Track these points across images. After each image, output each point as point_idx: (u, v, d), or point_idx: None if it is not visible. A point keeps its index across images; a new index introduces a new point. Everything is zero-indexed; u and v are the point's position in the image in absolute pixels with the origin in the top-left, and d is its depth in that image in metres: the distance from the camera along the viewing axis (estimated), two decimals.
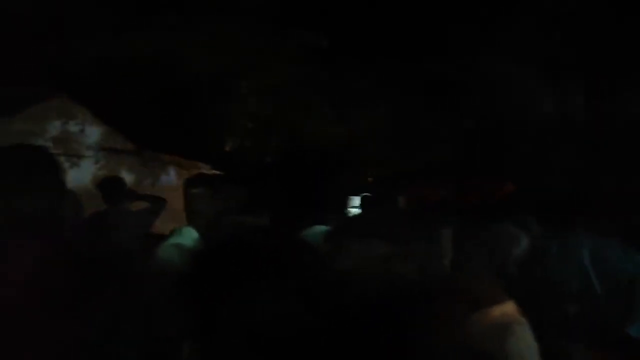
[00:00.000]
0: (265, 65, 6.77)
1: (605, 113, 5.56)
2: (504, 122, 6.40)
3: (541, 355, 2.08)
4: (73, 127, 5.67)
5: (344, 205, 5.85)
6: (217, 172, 5.81)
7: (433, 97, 6.96)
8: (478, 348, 1.95)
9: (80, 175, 5.22)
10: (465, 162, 6.79)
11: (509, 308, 2.10)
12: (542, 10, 5.66)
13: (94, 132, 5.64)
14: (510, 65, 5.60)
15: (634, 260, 2.89)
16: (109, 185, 3.51)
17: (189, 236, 2.45)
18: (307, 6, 6.51)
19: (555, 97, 5.73)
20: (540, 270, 3.19)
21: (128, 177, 4.91)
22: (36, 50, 5.35)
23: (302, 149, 7.14)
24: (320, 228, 2.75)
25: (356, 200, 5.38)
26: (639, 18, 4.93)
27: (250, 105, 6.91)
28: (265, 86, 6.93)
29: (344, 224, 2.78)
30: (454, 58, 6.25)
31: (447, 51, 6.23)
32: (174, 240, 2.42)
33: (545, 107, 5.73)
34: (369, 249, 1.22)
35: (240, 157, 6.62)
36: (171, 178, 5.60)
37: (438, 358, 1.25)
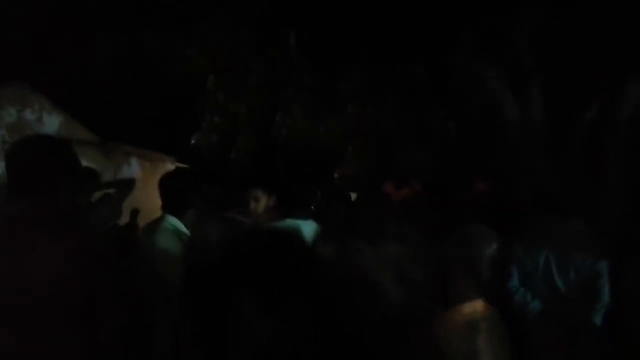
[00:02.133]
0: (236, 63, 6.67)
1: (567, 118, 5.73)
2: (477, 123, 6.50)
3: (512, 349, 2.07)
4: (30, 116, 5.40)
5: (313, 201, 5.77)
6: (183, 165, 5.67)
7: (406, 98, 7.02)
8: (451, 345, 1.94)
9: None
10: (438, 163, 6.85)
11: (478, 305, 2.11)
12: (510, 20, 5.79)
13: (52, 121, 5.39)
14: (484, 69, 5.70)
15: (595, 259, 2.97)
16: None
17: (178, 224, 2.48)
18: (282, 9, 6.50)
19: (521, 101, 5.85)
20: (508, 271, 3.24)
21: None
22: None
23: (271, 146, 7.05)
24: (294, 222, 2.74)
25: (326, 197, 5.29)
26: (599, 30, 5.10)
27: (219, 101, 6.77)
28: (234, 83, 6.81)
29: (337, 222, 2.78)
30: (428, 61, 6.32)
31: (421, 54, 6.29)
32: (169, 225, 2.44)
33: (511, 111, 5.85)
34: (381, 251, 1.18)
35: (206, 152, 6.48)
36: (133, 169, 5.42)
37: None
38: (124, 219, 3.55)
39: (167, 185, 2.69)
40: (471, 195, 4.89)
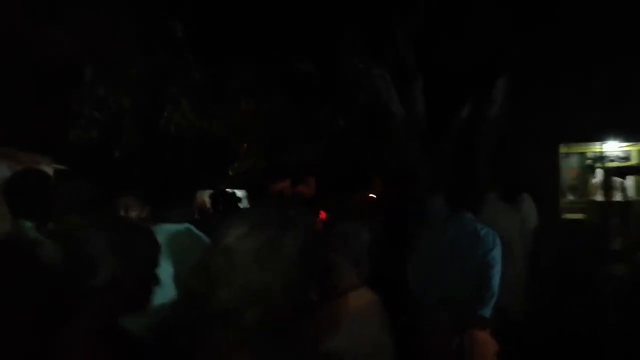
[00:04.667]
0: (119, 53, 6.24)
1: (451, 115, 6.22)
2: (364, 121, 6.76)
3: (398, 333, 2.22)
4: None
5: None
6: (59, 166, 5.23)
7: (298, 96, 7.10)
8: (337, 333, 2.05)
9: None
10: (330, 160, 7.04)
11: (363, 294, 2.25)
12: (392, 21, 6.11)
13: None
14: (368, 67, 5.95)
15: (486, 250, 3.10)
16: None
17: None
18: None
19: (403, 100, 6.22)
20: (397, 259, 3.42)
21: None
22: None
23: (156, 142, 6.72)
24: (168, 226, 2.58)
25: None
26: (474, 36, 5.59)
27: (99, 94, 6.30)
28: (116, 75, 6.37)
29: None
30: (318, 58, 6.45)
31: (311, 51, 6.40)
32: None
33: (395, 109, 6.19)
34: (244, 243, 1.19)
35: (86, 150, 6.00)
36: (3, 173, 4.87)
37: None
38: None
39: (13, 188, 2.43)
40: (369, 192, 5.14)
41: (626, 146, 7.27)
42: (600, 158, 7.40)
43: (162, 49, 6.76)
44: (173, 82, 7.01)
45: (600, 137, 6.96)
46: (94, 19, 5.89)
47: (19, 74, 5.39)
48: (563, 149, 7.36)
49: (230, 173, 7.03)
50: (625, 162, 7.41)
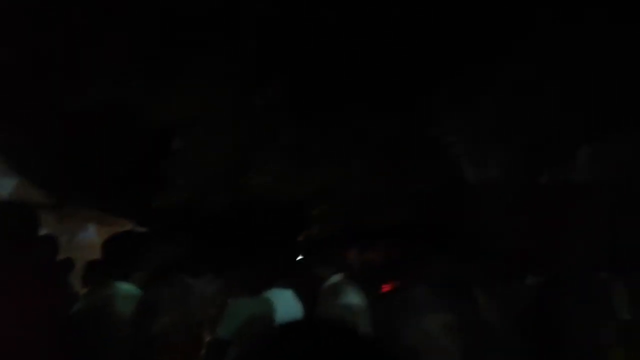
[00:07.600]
0: (205, 119, 6.61)
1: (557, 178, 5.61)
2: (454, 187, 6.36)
3: None
4: None
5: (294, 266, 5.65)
6: (142, 229, 5.52)
7: (386, 158, 6.90)
8: None
9: None
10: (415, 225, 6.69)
11: None
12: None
13: (5, 184, 5.31)
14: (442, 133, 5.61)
15: None
16: None
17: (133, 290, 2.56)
18: (263, 62, 6.50)
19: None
20: None
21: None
22: None
23: (241, 205, 6.89)
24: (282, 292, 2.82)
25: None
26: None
27: (184, 161, 6.65)
28: (202, 141, 6.72)
29: None
30: (411, 119, 6.25)
31: (404, 112, 6.23)
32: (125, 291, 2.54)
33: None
34: None
35: (169, 214, 6.32)
36: (90, 234, 5.27)
37: None
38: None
39: (111, 247, 2.67)
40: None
41: None
42: None
43: (253, 115, 7.01)
44: (261, 146, 7.20)
45: None
46: (186, 89, 6.26)
47: (108, 141, 5.83)
48: None
49: (300, 238, 6.97)
50: None
